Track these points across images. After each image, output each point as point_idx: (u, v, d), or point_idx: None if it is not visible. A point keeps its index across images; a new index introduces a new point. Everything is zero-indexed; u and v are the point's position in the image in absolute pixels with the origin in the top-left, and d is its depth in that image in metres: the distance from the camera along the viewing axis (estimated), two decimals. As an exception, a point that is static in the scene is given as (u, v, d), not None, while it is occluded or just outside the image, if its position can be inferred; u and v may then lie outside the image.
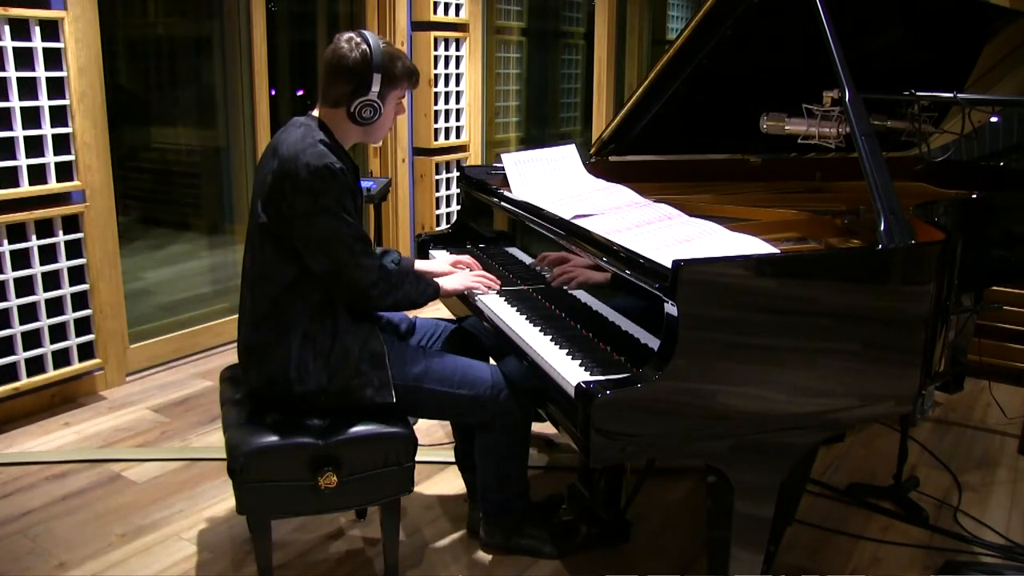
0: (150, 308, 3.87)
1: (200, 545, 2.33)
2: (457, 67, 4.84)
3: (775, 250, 1.69)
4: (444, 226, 4.72)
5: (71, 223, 3.12)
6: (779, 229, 2.03)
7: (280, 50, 4.39)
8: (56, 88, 3.01)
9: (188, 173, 4.34)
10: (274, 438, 1.90)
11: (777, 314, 1.59)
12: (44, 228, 3.04)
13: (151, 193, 4.27)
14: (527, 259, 2.42)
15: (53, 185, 3.03)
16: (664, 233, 1.86)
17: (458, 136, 4.94)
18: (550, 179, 2.46)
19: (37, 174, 2.99)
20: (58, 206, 3.08)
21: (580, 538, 2.29)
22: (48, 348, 3.11)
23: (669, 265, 1.53)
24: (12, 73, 2.88)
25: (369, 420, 1.96)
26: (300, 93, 4.67)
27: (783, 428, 1.65)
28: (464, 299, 2.29)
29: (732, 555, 1.73)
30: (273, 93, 4.13)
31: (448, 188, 4.96)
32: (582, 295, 2.04)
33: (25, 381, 3.05)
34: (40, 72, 2.95)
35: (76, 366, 3.21)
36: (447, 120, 4.85)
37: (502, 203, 2.42)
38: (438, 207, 4.92)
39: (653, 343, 1.70)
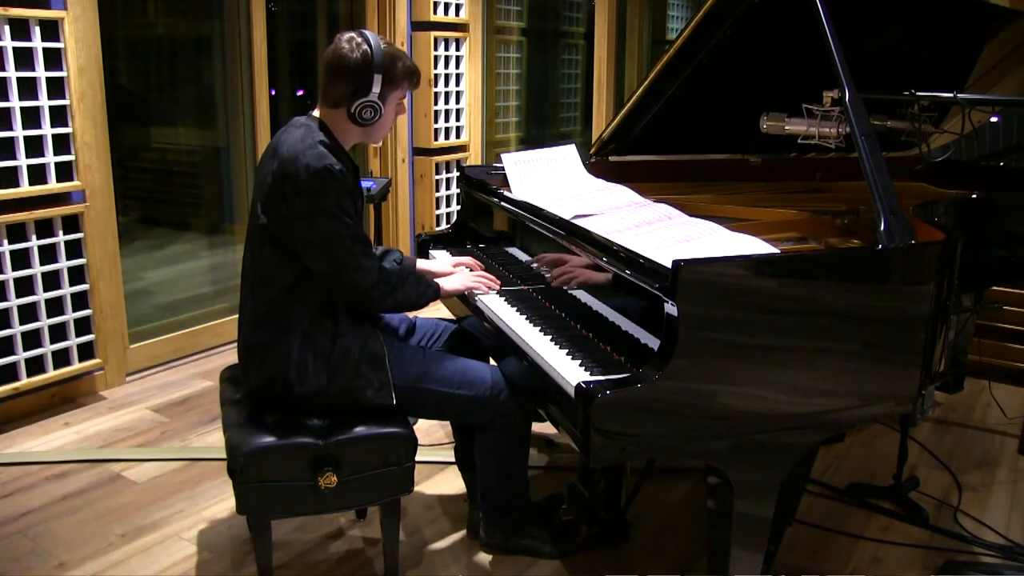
0: (150, 308, 3.87)
1: (200, 545, 2.33)
2: (457, 67, 4.84)
3: (775, 250, 1.69)
4: (444, 226, 4.72)
5: (71, 223, 3.12)
6: (779, 229, 2.03)
7: (280, 50, 4.39)
8: (56, 88, 3.01)
9: (188, 173, 4.34)
10: (274, 438, 1.90)
11: (777, 314, 1.59)
12: (44, 228, 3.04)
13: (151, 193, 4.27)
14: (527, 259, 2.42)
15: (53, 185, 3.03)
16: (664, 233, 1.86)
17: (458, 136, 4.94)
18: (550, 179, 2.46)
19: (37, 174, 2.99)
20: (58, 206, 3.08)
21: (580, 538, 2.29)
22: (48, 348, 3.11)
23: (669, 265, 1.53)
24: (12, 73, 2.88)
25: (369, 420, 1.96)
26: (300, 93, 4.67)
27: (783, 428, 1.65)
28: (464, 299, 2.29)
29: (732, 555, 1.73)
30: (273, 93, 4.13)
31: (448, 188, 4.96)
32: (582, 295, 2.04)
33: (25, 381, 3.05)
34: (40, 72, 2.96)
35: (76, 366, 3.21)
36: (447, 120, 4.85)
37: (502, 203, 2.42)
38: (438, 207, 4.92)
39: (653, 343, 1.70)
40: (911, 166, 2.80)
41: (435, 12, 4.62)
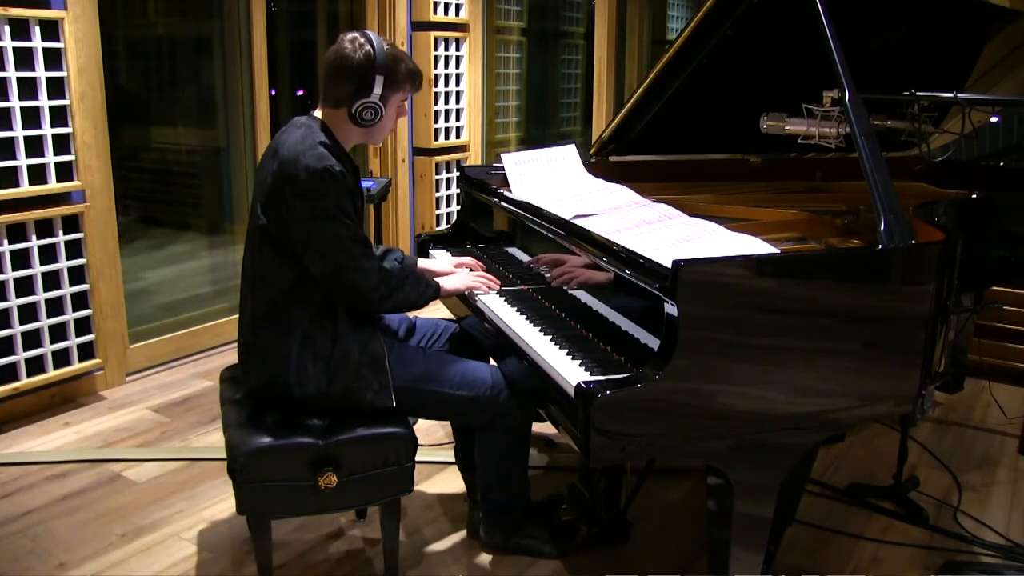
0: (150, 308, 3.87)
1: (200, 545, 2.33)
2: (457, 67, 4.84)
3: (775, 250, 1.69)
4: (444, 226, 4.72)
5: (71, 223, 3.12)
6: (779, 229, 2.03)
7: (280, 50, 4.39)
8: (56, 88, 3.01)
9: (188, 173, 4.34)
10: (274, 438, 1.90)
11: (777, 314, 1.59)
12: (44, 228, 3.04)
13: (151, 193, 4.27)
14: (527, 259, 2.42)
15: (53, 185, 3.03)
16: (664, 233, 1.86)
17: (458, 136, 4.94)
18: (550, 179, 2.46)
19: (37, 174, 2.99)
20: (58, 206, 3.08)
21: (580, 538, 2.28)
22: (48, 348, 3.11)
23: (669, 265, 1.53)
24: (12, 73, 2.88)
25: (369, 420, 1.96)
26: (300, 93, 4.67)
27: (783, 428, 1.65)
28: (464, 299, 2.29)
29: (732, 555, 1.73)
30: (273, 93, 4.13)
31: (448, 188, 4.96)
32: (582, 295, 2.04)
33: (25, 381, 3.05)
34: (40, 72, 2.96)
35: (76, 366, 3.21)
36: (447, 120, 4.85)
37: (502, 203, 2.42)
38: (438, 207, 4.92)
39: (653, 343, 1.70)
40: (911, 166, 2.80)
41: (435, 12, 4.62)
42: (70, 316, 3.17)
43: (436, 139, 4.79)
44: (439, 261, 2.43)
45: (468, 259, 2.40)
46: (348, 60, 1.91)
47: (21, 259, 2.99)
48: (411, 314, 2.29)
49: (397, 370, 1.99)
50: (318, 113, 2.01)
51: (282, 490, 1.90)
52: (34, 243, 3.01)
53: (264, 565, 1.96)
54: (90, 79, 3.12)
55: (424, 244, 2.73)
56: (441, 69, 4.73)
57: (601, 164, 2.76)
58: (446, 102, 4.82)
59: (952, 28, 2.59)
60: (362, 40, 1.93)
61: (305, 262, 1.91)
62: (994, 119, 3.00)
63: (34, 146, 2.97)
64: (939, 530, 2.42)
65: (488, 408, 2.05)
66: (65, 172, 3.07)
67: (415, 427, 2.08)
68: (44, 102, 2.98)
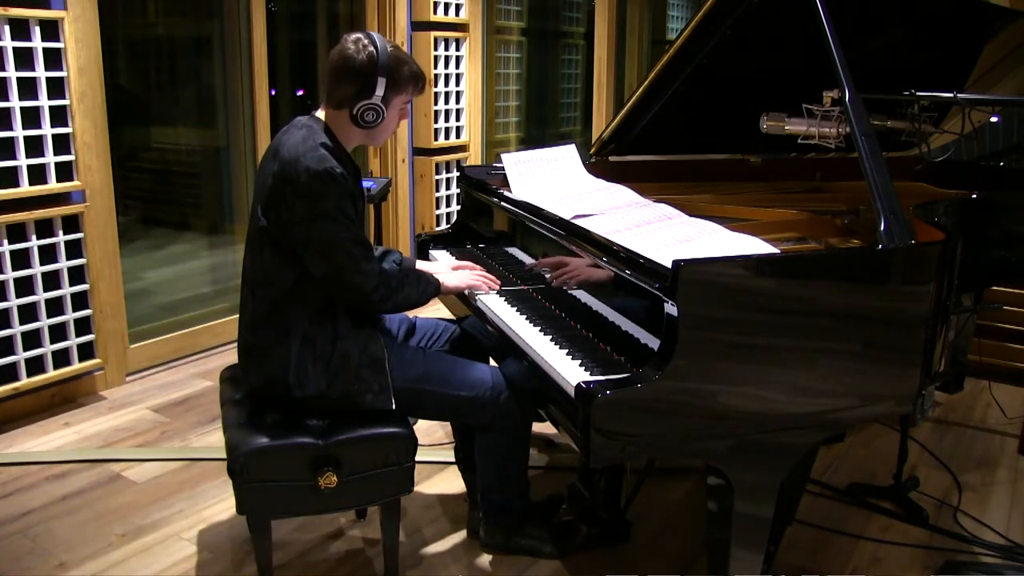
0: (150, 308, 3.87)
1: (200, 545, 2.33)
2: (457, 67, 4.84)
3: (775, 250, 1.69)
4: (444, 226, 4.72)
5: (71, 223, 3.12)
6: (779, 229, 2.03)
7: (280, 50, 4.39)
8: (56, 88, 3.01)
9: (188, 173, 4.34)
10: (274, 438, 1.89)
11: (777, 314, 1.59)
12: (44, 228, 3.04)
13: (151, 193, 4.27)
14: (527, 259, 2.42)
15: (53, 185, 3.03)
16: (664, 233, 1.86)
17: (458, 136, 4.94)
18: (550, 179, 2.46)
19: (37, 174, 2.99)
20: (58, 206, 3.08)
21: (580, 538, 2.28)
22: (48, 348, 3.11)
23: (669, 265, 1.53)
24: (12, 73, 2.88)
25: (369, 420, 1.96)
26: (300, 93, 4.67)
27: (783, 428, 1.65)
28: (464, 299, 2.29)
29: (732, 555, 1.73)
30: (273, 93, 4.13)
31: (448, 188, 4.96)
32: (582, 295, 2.04)
33: (25, 381, 3.05)
34: (40, 72, 2.95)
35: (76, 366, 3.21)
36: (447, 120, 4.85)
37: (502, 203, 2.42)
38: (438, 207, 4.92)
39: (653, 343, 1.70)
40: (911, 166, 2.80)
41: (435, 12, 4.62)
42: (70, 316, 3.17)
43: (436, 139, 4.79)
44: (439, 263, 2.42)
45: (466, 263, 2.39)
46: (351, 61, 1.91)
47: (21, 259, 2.99)
48: (411, 314, 2.29)
49: (397, 371, 1.99)
50: (320, 114, 2.00)
51: (282, 490, 1.90)
52: (34, 243, 3.01)
53: (264, 565, 1.96)
54: (90, 79, 3.12)
55: (424, 244, 2.73)
56: (441, 69, 4.73)
57: (601, 164, 2.76)
58: (446, 102, 4.82)
59: (952, 28, 2.59)
60: (365, 41, 1.92)
61: (305, 263, 1.91)
62: (994, 119, 3.00)
63: (34, 146, 2.97)
64: (939, 530, 2.42)
65: (488, 408, 2.05)
66: (65, 172, 3.07)
67: (415, 427, 2.08)
68: (44, 102, 2.98)
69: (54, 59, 2.99)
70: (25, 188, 2.95)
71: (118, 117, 3.43)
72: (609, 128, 2.73)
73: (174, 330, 3.78)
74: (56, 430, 3.05)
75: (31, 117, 2.95)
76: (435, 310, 2.51)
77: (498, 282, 2.25)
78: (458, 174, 4.85)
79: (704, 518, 1.78)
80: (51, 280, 3.09)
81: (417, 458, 2.00)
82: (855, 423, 2.31)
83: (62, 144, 3.05)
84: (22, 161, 2.93)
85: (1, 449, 2.89)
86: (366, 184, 3.38)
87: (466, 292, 2.22)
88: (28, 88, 2.93)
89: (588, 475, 2.37)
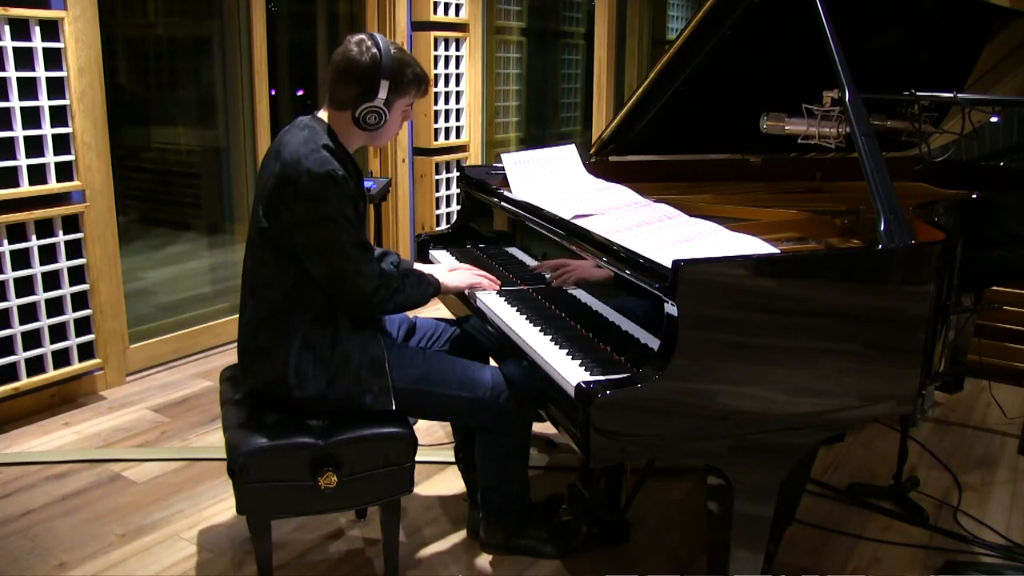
0: (150, 308, 3.87)
1: (200, 545, 2.33)
2: (457, 67, 4.84)
3: (775, 250, 1.69)
4: (444, 226, 4.72)
5: (71, 223, 3.12)
6: (779, 229, 2.03)
7: (280, 50, 4.39)
8: (56, 88, 3.01)
9: (188, 173, 4.34)
10: (274, 438, 1.89)
11: (777, 314, 1.59)
12: (44, 228, 3.04)
13: (151, 193, 4.27)
14: (527, 259, 2.42)
15: (53, 185, 3.03)
16: (664, 233, 1.86)
17: (458, 136, 4.94)
18: (550, 179, 2.46)
19: (37, 174, 2.99)
20: (58, 206, 3.08)
21: (580, 538, 2.28)
22: (48, 348, 3.11)
23: (669, 265, 1.53)
24: (12, 73, 2.88)
25: (369, 420, 1.96)
26: (300, 93, 4.67)
27: (783, 428, 1.65)
28: (464, 299, 2.29)
29: (732, 555, 1.73)
30: (273, 93, 4.13)
31: (448, 188, 4.96)
32: (582, 295, 2.04)
33: (25, 381, 3.05)
34: (40, 72, 2.96)
35: (76, 366, 3.21)
36: (447, 120, 4.85)
37: (502, 203, 2.42)
38: (438, 207, 4.92)
39: (653, 343, 1.70)
40: (911, 166, 2.80)
41: (435, 12, 4.62)
42: (70, 316, 3.17)
43: (436, 139, 4.79)
44: (438, 265, 2.42)
45: (465, 264, 2.38)
46: (354, 63, 1.90)
47: (21, 259, 2.99)
48: (411, 314, 2.28)
49: (397, 371, 1.99)
50: (323, 114, 1.99)
51: (282, 490, 1.90)
52: (34, 243, 3.01)
53: (264, 565, 1.96)
54: (90, 79, 3.12)
55: (424, 244, 2.73)
56: (441, 69, 4.73)
57: (601, 164, 2.76)
58: (446, 102, 4.82)
59: (952, 28, 2.59)
60: (369, 43, 1.91)
61: (306, 265, 1.91)
62: (994, 119, 3.00)
63: (34, 146, 2.97)
64: (939, 530, 2.42)
65: (488, 409, 2.05)
66: (65, 172, 3.07)
67: (415, 427, 2.08)
68: (44, 102, 2.98)
69: (54, 59, 2.99)
70: (25, 188, 2.95)
71: (118, 117, 3.43)
72: (609, 128, 2.73)
73: (174, 330, 3.78)
74: (56, 430, 3.05)
75: (31, 117, 2.95)
76: (435, 310, 2.51)
77: (498, 282, 2.25)
78: (458, 174, 4.85)
79: (704, 518, 1.78)
80: (51, 280, 3.09)
81: (417, 458, 2.00)
82: (855, 423, 2.30)
83: (62, 144, 3.05)
84: (22, 161, 2.94)
85: (1, 449, 2.89)
86: (366, 184, 3.38)
87: (466, 292, 2.22)
88: (28, 88, 2.93)
89: (588, 475, 2.37)
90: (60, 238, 3.09)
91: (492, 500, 2.21)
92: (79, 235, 3.15)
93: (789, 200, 2.46)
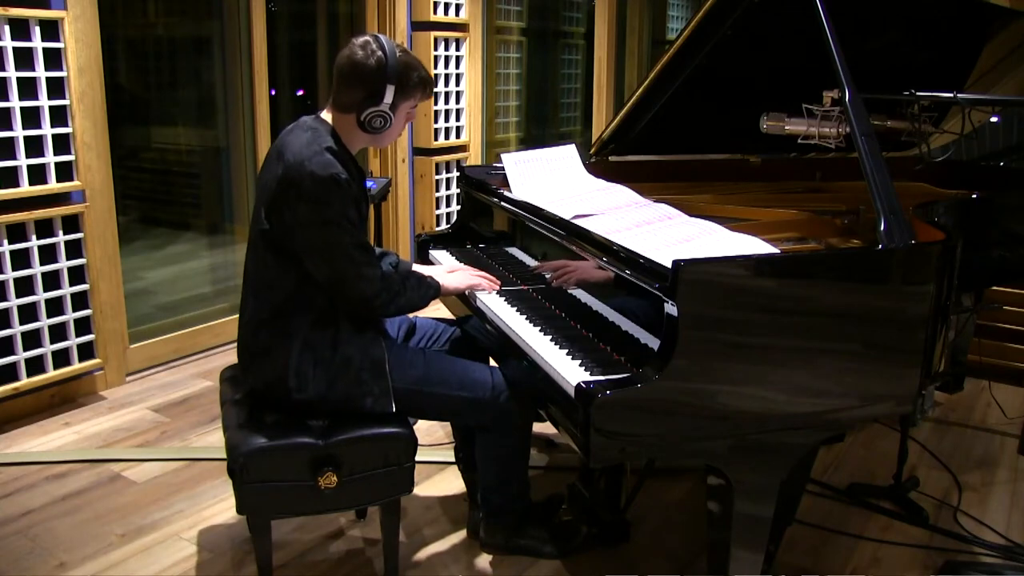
0: (150, 308, 3.87)
1: (200, 545, 2.33)
2: (457, 67, 4.84)
3: (775, 250, 1.69)
4: (444, 226, 4.73)
5: (71, 223, 3.12)
6: (779, 229, 2.03)
7: (280, 50, 4.39)
8: (56, 88, 3.01)
9: (188, 173, 4.34)
10: (274, 438, 1.89)
11: (777, 314, 1.59)
12: (44, 228, 3.04)
13: (151, 193, 4.27)
14: (527, 259, 2.42)
15: (53, 185, 3.03)
16: (664, 233, 1.86)
17: (458, 136, 4.94)
18: (550, 179, 2.46)
19: (37, 174, 2.99)
20: (58, 206, 3.08)
21: (580, 538, 2.28)
22: (48, 348, 3.11)
23: (669, 265, 1.53)
24: (12, 73, 2.88)
25: (369, 420, 1.96)
26: (300, 93, 4.67)
27: (783, 428, 1.65)
28: (464, 299, 2.29)
29: (732, 555, 1.73)
30: (273, 93, 4.13)
31: (448, 188, 4.96)
32: (582, 295, 2.04)
33: (25, 381, 3.05)
34: (40, 72, 2.95)
35: (76, 366, 3.21)
36: (447, 120, 4.85)
37: (502, 203, 2.42)
38: (438, 207, 4.92)
39: (653, 343, 1.70)
40: (911, 166, 2.80)
41: (435, 12, 4.62)
42: (70, 316, 3.17)
43: (436, 139, 4.79)
44: (437, 267, 2.41)
45: (464, 265, 2.38)
46: (360, 67, 1.89)
47: (21, 259, 2.99)
48: (410, 314, 2.28)
49: (397, 372, 1.99)
50: (326, 115, 1.98)
51: (282, 490, 1.90)
52: (34, 243, 3.01)
53: (264, 565, 1.96)
54: (90, 79, 3.12)
55: (424, 244, 2.73)
56: (441, 69, 4.73)
57: (601, 164, 2.76)
58: (446, 102, 4.82)
59: (952, 28, 2.59)
60: (374, 46, 1.90)
61: (307, 267, 1.91)
62: (994, 119, 3.00)
63: (34, 146, 2.97)
64: (939, 530, 2.42)
65: (488, 409, 2.05)
66: (65, 172, 3.07)
67: (415, 427, 2.08)
68: (44, 102, 2.98)
69: (54, 59, 2.99)
70: (25, 188, 2.95)
71: (118, 117, 3.43)
72: (609, 128, 2.73)
73: (174, 330, 3.78)
74: (56, 430, 3.05)
75: (31, 117, 2.95)
76: (435, 310, 2.50)
77: (498, 282, 2.25)
78: (458, 174, 4.85)
79: (704, 518, 1.78)
80: (51, 280, 3.09)
81: (417, 458, 2.00)
82: (855, 423, 2.31)
83: (62, 144, 3.05)
84: (22, 161, 2.93)
85: (1, 449, 2.89)
86: (367, 184, 3.37)
87: (466, 292, 2.22)
88: (28, 88, 2.93)
89: (588, 475, 2.37)
90: (60, 238, 3.09)
91: (492, 500, 2.21)
92: (79, 235, 3.15)
93: (789, 200, 2.46)
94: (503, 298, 2.17)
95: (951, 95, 2.21)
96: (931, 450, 2.90)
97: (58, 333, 3.14)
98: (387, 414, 1.98)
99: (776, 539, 1.98)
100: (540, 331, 1.93)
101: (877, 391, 1.67)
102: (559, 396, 1.70)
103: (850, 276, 1.64)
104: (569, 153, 2.55)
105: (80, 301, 3.20)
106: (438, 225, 4.88)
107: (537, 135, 6.02)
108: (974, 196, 2.38)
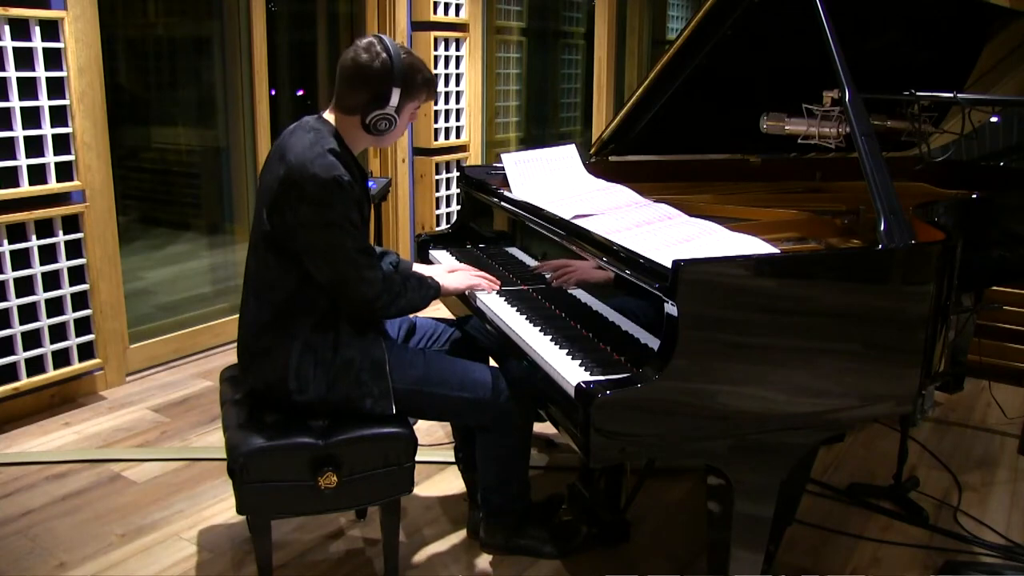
0: (150, 308, 3.87)
1: (200, 545, 2.33)
2: (457, 67, 4.84)
3: (775, 250, 1.69)
4: (444, 226, 4.73)
5: (71, 223, 3.12)
6: (779, 229, 2.03)
7: (280, 50, 4.39)
8: (56, 88, 3.01)
9: (188, 173, 4.34)
10: (274, 438, 1.89)
11: (777, 314, 1.59)
12: (44, 228, 3.04)
13: (151, 193, 4.27)
14: (527, 259, 2.42)
15: (53, 185, 3.03)
16: (664, 233, 1.86)
17: (458, 136, 4.94)
18: (550, 179, 2.46)
19: (37, 174, 2.99)
20: (58, 206, 3.08)
21: (580, 538, 2.28)
22: (48, 348, 3.11)
23: (669, 265, 1.53)
24: (12, 73, 2.88)
25: (369, 420, 1.96)
26: (300, 93, 4.67)
27: (783, 428, 1.65)
28: (464, 299, 2.29)
29: (732, 555, 1.73)
30: (273, 93, 4.13)
31: (448, 188, 4.96)
32: (582, 295, 2.04)
33: (25, 381, 3.05)
34: (40, 72, 2.95)
35: (76, 366, 3.21)
36: (447, 120, 4.85)
37: (502, 203, 2.42)
38: (438, 207, 4.92)
39: (653, 343, 1.70)
40: (911, 166, 2.80)
41: (435, 12, 4.62)
42: (70, 316, 3.17)
43: (436, 139, 4.79)
44: (436, 267, 2.41)
45: (464, 265, 2.38)
46: (365, 69, 1.88)
47: (21, 259, 2.99)
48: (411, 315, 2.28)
49: (397, 372, 1.98)
50: (328, 116, 1.97)
51: (282, 490, 1.90)
52: (34, 243, 3.01)
53: (264, 565, 1.96)
54: (90, 79, 3.12)
55: (424, 244, 2.73)
56: (441, 69, 4.73)
57: (601, 164, 2.76)
58: (446, 102, 4.82)
59: (952, 28, 2.59)
60: (379, 48, 1.89)
61: (309, 268, 1.90)
62: (994, 119, 3.00)
63: (34, 146, 2.97)
64: (939, 530, 2.42)
65: (489, 409, 2.05)
66: (65, 172, 3.07)
67: (415, 427, 2.08)
68: (44, 102, 2.98)
69: (54, 59, 2.99)
70: (25, 188, 2.95)
71: (118, 117, 3.43)
72: (609, 128, 2.73)
73: (174, 330, 3.78)
74: (56, 430, 3.05)
75: (31, 117, 2.95)
76: (435, 310, 2.50)
77: (497, 282, 2.25)
78: (458, 174, 4.85)
79: (704, 518, 1.78)
80: (51, 280, 3.09)
81: (417, 458, 2.00)
82: (855, 423, 2.31)
83: (62, 144, 3.05)
84: (22, 161, 2.94)
85: (1, 449, 2.89)
86: (368, 185, 3.37)
87: (466, 292, 2.22)
88: (28, 88, 2.93)
89: (588, 475, 2.37)
90: (60, 238, 3.09)
91: (492, 500, 2.21)
92: (79, 235, 3.15)
93: (789, 200, 2.46)
94: (503, 298, 2.17)
95: (951, 95, 2.21)
96: (931, 450, 2.90)
97: (58, 333, 3.14)
98: (387, 414, 1.98)
99: (776, 539, 1.98)
100: (540, 331, 1.93)
101: (877, 391, 1.67)
102: (559, 396, 1.70)
103: (850, 276, 1.64)
104: (569, 153, 2.55)
105: (80, 301, 3.20)
106: (438, 225, 4.88)
107: (537, 135, 6.02)
108: (974, 196, 2.38)
